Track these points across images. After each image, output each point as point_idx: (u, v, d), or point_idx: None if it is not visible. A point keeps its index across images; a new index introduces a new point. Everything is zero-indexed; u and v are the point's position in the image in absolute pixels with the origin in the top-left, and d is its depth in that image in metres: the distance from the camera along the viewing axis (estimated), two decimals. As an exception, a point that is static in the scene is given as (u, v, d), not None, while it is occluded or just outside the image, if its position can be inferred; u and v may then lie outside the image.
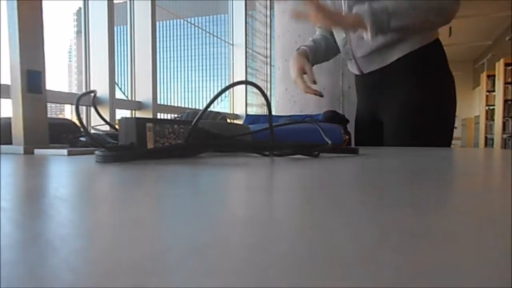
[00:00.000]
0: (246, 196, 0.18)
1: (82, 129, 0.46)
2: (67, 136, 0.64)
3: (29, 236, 0.10)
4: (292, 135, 0.82)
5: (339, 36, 1.07)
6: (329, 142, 0.51)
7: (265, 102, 0.49)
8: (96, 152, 0.39)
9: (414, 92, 0.96)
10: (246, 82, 0.48)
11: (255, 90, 3.46)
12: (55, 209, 0.14)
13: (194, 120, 0.46)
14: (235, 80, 3.03)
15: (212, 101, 0.46)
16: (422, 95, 0.96)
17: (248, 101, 3.08)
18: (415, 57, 0.95)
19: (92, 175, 0.27)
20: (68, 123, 0.76)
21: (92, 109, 1.72)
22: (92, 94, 0.53)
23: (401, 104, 0.97)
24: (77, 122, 0.76)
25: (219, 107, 3.11)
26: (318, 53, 1.10)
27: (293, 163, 0.38)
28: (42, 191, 0.19)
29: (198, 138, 0.47)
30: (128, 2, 1.93)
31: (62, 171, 0.30)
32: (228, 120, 0.98)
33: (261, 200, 0.16)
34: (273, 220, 0.13)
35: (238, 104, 3.01)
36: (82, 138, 0.62)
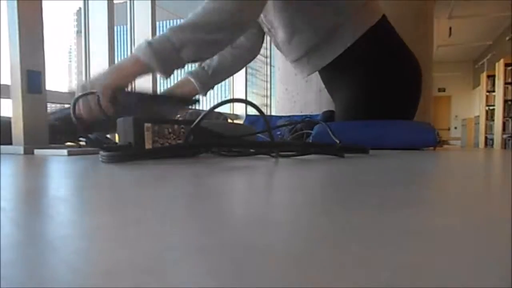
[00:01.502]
0: (245, 195, 0.18)
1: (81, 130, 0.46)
2: (61, 136, 0.65)
3: (29, 236, 0.10)
4: (382, 134, 0.78)
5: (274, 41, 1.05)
6: (338, 141, 0.51)
7: (265, 102, 0.49)
8: (101, 152, 0.39)
9: (351, 91, 0.94)
10: (246, 102, 0.48)
11: (255, 90, 3.46)
12: (54, 209, 0.14)
13: (195, 122, 0.46)
14: (235, 80, 3.04)
15: (215, 107, 0.46)
16: (357, 93, 0.93)
17: (248, 101, 3.07)
18: (347, 56, 0.91)
19: (93, 174, 0.27)
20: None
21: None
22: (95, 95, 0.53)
23: (343, 104, 0.96)
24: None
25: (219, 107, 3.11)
26: (217, 70, 0.95)
27: (295, 163, 0.38)
28: (43, 191, 0.19)
29: (202, 138, 0.47)
30: (128, 2, 1.92)
31: (64, 171, 0.30)
32: (229, 120, 0.98)
33: (260, 200, 0.16)
34: (272, 220, 0.13)
35: (238, 104, 3.01)
36: (81, 139, 0.62)
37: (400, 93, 0.93)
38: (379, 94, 0.91)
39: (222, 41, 0.70)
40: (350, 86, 0.95)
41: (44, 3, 0.64)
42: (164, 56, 0.64)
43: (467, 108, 8.38)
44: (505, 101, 5.39)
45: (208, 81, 0.95)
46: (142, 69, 0.65)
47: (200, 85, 0.93)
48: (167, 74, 0.68)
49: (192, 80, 0.92)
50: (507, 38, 5.68)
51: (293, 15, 0.91)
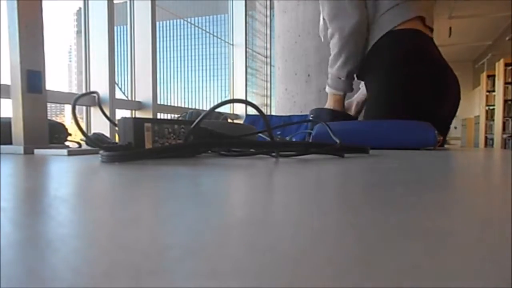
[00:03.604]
0: (244, 196, 0.18)
1: (79, 130, 0.46)
2: (59, 136, 0.65)
3: (29, 236, 0.10)
4: (378, 134, 0.79)
5: None
6: (338, 141, 0.51)
7: (265, 102, 0.49)
8: (101, 152, 0.39)
9: (370, 91, 1.07)
10: (246, 102, 0.48)
11: (255, 90, 3.47)
12: (54, 209, 0.14)
13: (195, 122, 0.46)
14: (235, 80, 3.04)
15: (215, 107, 0.46)
16: (373, 95, 1.04)
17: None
18: (367, 59, 1.05)
19: (93, 174, 0.27)
20: (52, 123, 0.76)
21: (92, 109, 1.72)
22: (95, 96, 0.53)
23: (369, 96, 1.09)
24: (63, 123, 0.77)
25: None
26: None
27: (295, 163, 0.38)
28: (43, 190, 0.19)
29: (202, 138, 0.47)
30: (128, 2, 1.92)
31: (64, 170, 0.30)
32: (229, 120, 0.98)
33: (259, 200, 0.16)
34: (272, 220, 0.13)
35: (238, 104, 3.01)
36: (82, 139, 0.62)
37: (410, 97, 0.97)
38: (393, 93, 0.99)
39: (352, 53, 1.02)
40: (375, 80, 1.05)
41: (44, 3, 0.64)
42: (338, 86, 1.08)
43: (467, 108, 8.38)
44: (505, 101, 5.39)
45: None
46: (338, 98, 1.10)
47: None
48: (351, 91, 1.10)
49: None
50: (507, 38, 5.68)
51: None
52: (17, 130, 0.61)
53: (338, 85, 1.07)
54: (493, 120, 5.76)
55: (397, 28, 0.99)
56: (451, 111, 1.05)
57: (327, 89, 1.10)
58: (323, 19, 1.13)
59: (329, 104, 1.11)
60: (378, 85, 1.02)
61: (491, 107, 5.94)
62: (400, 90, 0.97)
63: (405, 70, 0.97)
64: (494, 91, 5.78)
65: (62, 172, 0.28)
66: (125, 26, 1.94)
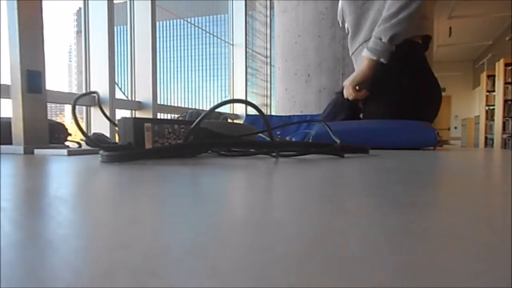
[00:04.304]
0: (244, 196, 0.18)
1: (79, 130, 0.46)
2: (59, 136, 0.65)
3: (29, 236, 0.10)
4: (380, 135, 0.80)
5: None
6: (338, 141, 0.51)
7: (265, 102, 0.49)
8: (101, 152, 0.39)
9: (376, 94, 1.05)
10: (245, 102, 0.48)
11: (255, 90, 3.47)
12: (54, 209, 0.14)
13: (195, 122, 0.46)
14: (235, 80, 3.04)
15: (215, 108, 0.46)
16: (381, 97, 1.03)
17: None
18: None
19: (93, 174, 0.27)
20: (52, 123, 0.76)
21: (92, 109, 1.72)
22: (95, 96, 0.53)
23: (369, 105, 1.08)
24: (63, 123, 0.77)
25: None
26: None
27: (295, 163, 0.38)
28: (43, 190, 0.19)
29: (202, 138, 0.47)
30: (128, 2, 1.92)
31: (64, 171, 0.30)
32: (229, 120, 0.99)
33: (259, 200, 0.16)
34: (272, 220, 0.13)
35: (238, 104, 3.01)
36: (82, 139, 0.62)
37: (418, 104, 0.99)
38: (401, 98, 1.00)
39: (410, 16, 0.95)
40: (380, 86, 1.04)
41: (44, 3, 0.64)
42: (377, 50, 0.99)
43: (467, 108, 8.38)
44: (505, 101, 5.39)
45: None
46: (371, 64, 1.01)
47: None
48: (386, 59, 0.99)
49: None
50: (507, 38, 5.68)
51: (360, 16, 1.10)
52: (17, 130, 0.61)
53: (376, 48, 0.99)
54: (493, 120, 5.76)
55: (409, 38, 1.00)
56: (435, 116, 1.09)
57: (364, 51, 1.03)
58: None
59: (362, 68, 1.04)
60: (387, 91, 1.03)
61: (491, 107, 5.94)
62: (409, 97, 0.99)
63: (417, 79, 1.00)
64: (494, 91, 5.78)
65: (62, 172, 0.28)
66: (125, 26, 1.94)
